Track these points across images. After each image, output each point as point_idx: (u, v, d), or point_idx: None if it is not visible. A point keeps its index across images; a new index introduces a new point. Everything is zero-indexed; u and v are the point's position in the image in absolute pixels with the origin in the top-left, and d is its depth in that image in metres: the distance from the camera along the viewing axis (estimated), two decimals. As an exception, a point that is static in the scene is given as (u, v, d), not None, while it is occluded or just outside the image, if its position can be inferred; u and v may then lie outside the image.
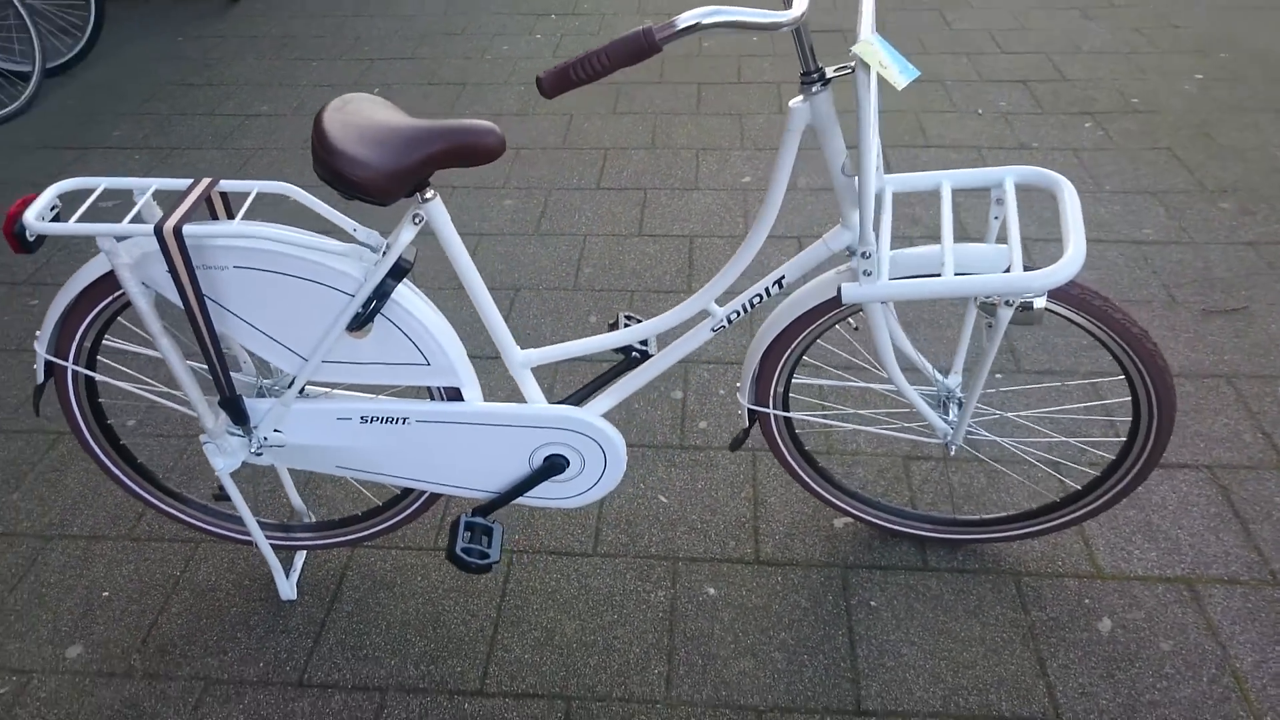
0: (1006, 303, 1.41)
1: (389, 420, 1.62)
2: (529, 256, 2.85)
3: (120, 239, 1.45)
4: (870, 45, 1.23)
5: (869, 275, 1.39)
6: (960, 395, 1.74)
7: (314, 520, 1.94)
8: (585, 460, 1.66)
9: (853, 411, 1.90)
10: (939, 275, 1.43)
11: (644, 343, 1.77)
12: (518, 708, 1.65)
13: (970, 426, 1.99)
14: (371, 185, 1.33)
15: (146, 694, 1.70)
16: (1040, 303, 1.41)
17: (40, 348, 1.59)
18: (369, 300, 1.47)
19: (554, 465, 1.66)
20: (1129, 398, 2.21)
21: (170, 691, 1.70)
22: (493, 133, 1.38)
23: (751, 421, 1.77)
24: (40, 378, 1.61)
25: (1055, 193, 1.46)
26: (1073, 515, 1.79)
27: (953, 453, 1.83)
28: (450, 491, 1.70)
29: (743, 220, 2.97)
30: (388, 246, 1.45)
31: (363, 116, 1.39)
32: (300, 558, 1.92)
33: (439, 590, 1.86)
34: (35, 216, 1.40)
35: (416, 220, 1.44)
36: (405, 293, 1.52)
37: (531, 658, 1.74)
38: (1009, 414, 2.17)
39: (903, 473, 2.05)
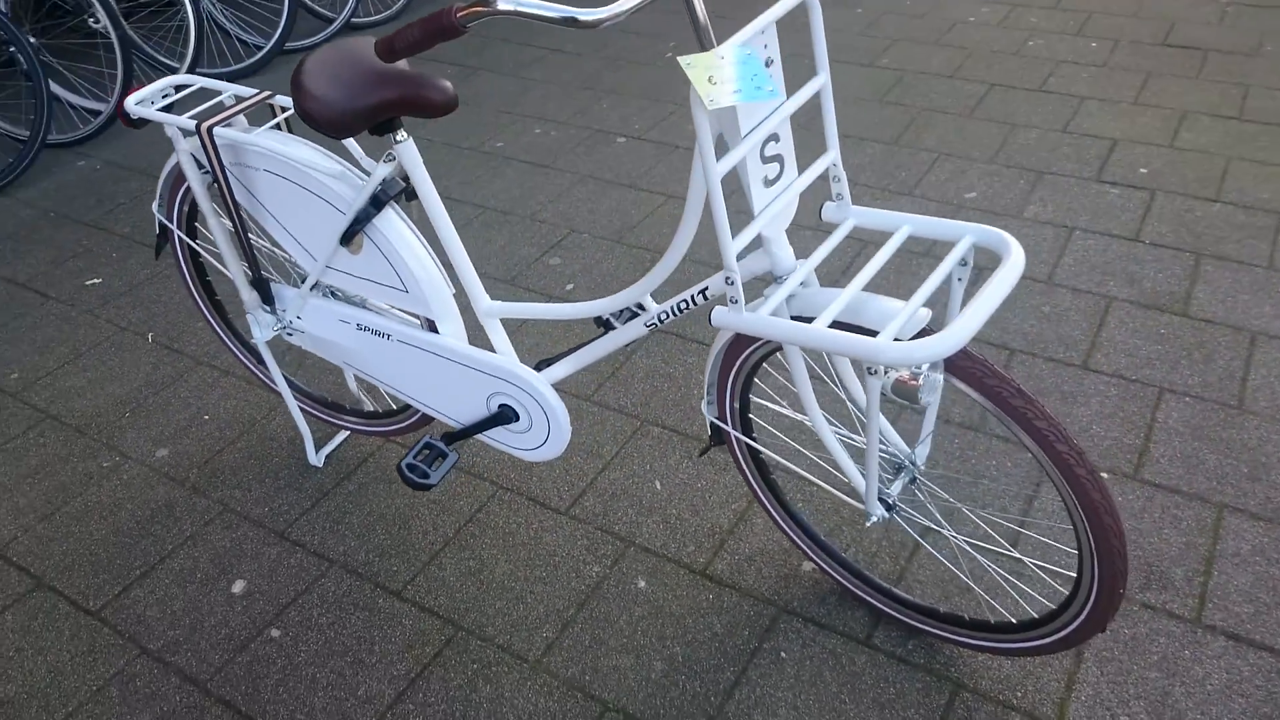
0: (870, 370, 1.24)
1: (377, 333, 1.81)
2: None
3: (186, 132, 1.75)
4: (710, 58, 1.14)
5: (735, 303, 1.30)
6: (916, 466, 1.55)
7: (365, 408, 2.20)
8: (532, 419, 1.73)
9: (795, 447, 1.75)
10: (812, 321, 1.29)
11: (640, 312, 1.77)
12: (415, 618, 1.80)
13: (922, 508, 1.76)
14: (321, 120, 1.48)
15: (182, 502, 2.08)
16: (919, 377, 1.22)
17: (155, 208, 1.97)
18: (353, 221, 1.64)
19: (504, 414, 1.75)
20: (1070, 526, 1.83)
21: (198, 506, 2.06)
22: (443, 91, 1.47)
23: (716, 436, 1.71)
24: (157, 230, 2.01)
25: (1001, 257, 1.24)
26: (1026, 644, 1.52)
27: (868, 524, 1.62)
28: (425, 410, 1.86)
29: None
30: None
31: (340, 57, 1.54)
32: (340, 436, 2.19)
33: (425, 499, 2.04)
34: (136, 101, 1.75)
35: (388, 159, 1.58)
36: (394, 222, 1.66)
37: (455, 582, 1.86)
38: (967, 508, 1.86)
39: (911, 539, 1.85)
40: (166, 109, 1.81)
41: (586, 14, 1.11)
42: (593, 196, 3.07)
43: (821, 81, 1.29)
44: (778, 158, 1.31)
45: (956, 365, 1.28)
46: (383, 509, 2.02)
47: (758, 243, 1.35)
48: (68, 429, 2.30)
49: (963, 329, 1.14)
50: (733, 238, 1.24)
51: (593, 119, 3.54)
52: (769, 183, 1.30)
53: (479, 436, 1.82)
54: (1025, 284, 2.51)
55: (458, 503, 2.03)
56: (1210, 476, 1.94)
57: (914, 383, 1.23)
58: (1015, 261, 1.22)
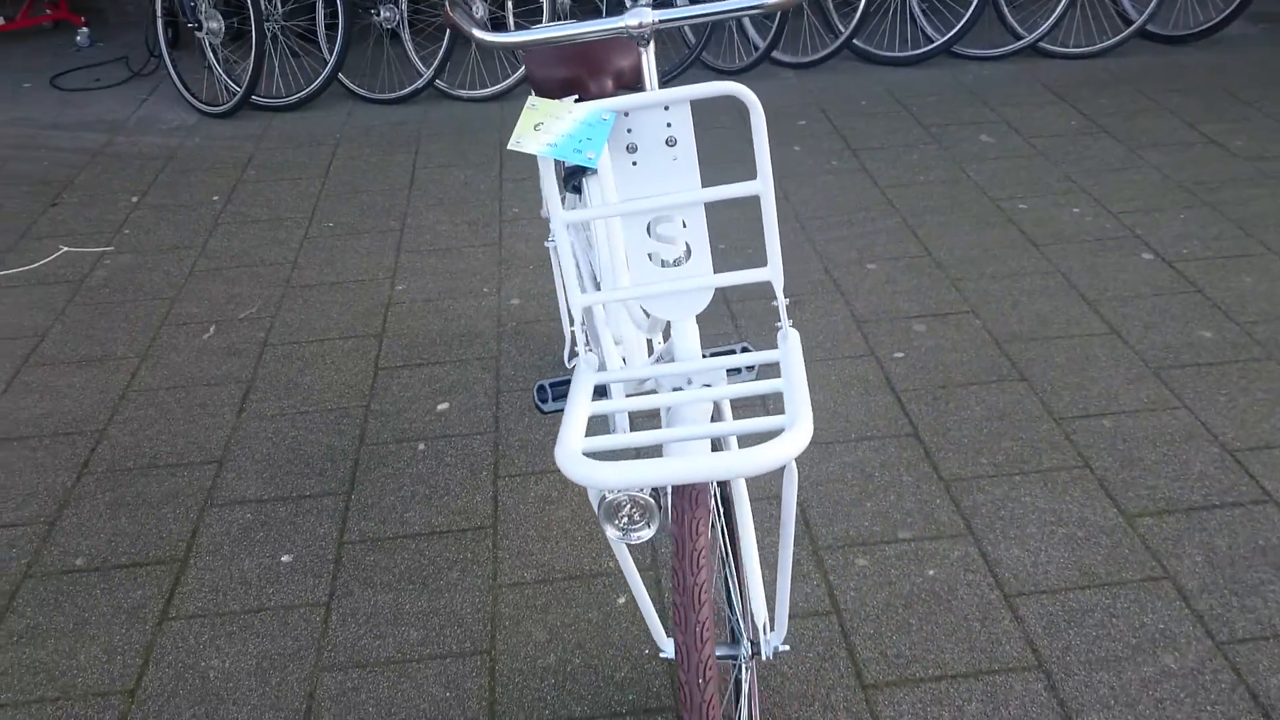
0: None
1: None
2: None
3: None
4: (557, 107, 1.14)
5: (576, 355, 1.28)
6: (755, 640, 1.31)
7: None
8: None
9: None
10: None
11: None
12: (485, 501, 2.09)
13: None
14: (531, 80, 1.75)
15: (482, 336, 2.62)
16: (617, 504, 1.11)
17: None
18: (566, 172, 1.90)
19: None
20: None
21: (495, 349, 2.58)
22: (600, 85, 1.64)
23: None
24: None
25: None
26: None
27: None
28: None
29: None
30: None
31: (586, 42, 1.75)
32: (601, 353, 2.49)
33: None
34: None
35: (579, 128, 1.78)
36: (596, 184, 1.87)
37: (531, 496, 2.08)
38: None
39: None
40: None
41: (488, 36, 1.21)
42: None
43: (757, 188, 1.17)
44: (685, 245, 1.23)
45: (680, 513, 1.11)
46: (558, 422, 2.31)
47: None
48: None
49: (645, 471, 1.02)
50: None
51: (965, 189, 2.98)
52: (661, 263, 1.24)
53: (600, 396, 1.98)
54: None
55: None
56: None
57: (609, 504, 1.12)
58: (777, 451, 1.01)
